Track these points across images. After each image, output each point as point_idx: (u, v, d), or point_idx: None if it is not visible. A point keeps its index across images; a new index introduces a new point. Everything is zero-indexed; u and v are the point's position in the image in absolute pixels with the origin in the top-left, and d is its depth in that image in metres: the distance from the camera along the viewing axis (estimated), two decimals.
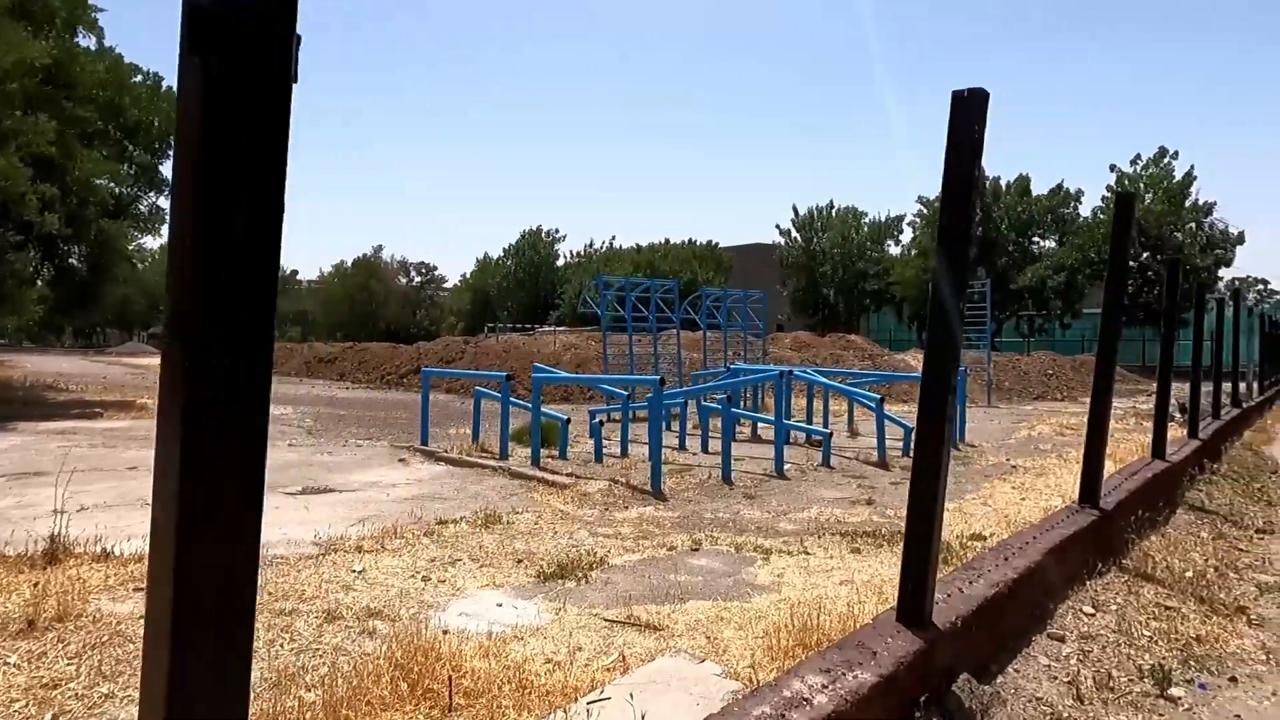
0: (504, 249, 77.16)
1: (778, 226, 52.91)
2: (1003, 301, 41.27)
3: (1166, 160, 37.34)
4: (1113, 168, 38.63)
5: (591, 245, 73.42)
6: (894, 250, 50.19)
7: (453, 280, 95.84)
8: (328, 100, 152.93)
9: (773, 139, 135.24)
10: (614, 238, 71.13)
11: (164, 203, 24.11)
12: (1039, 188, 41.75)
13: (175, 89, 1.21)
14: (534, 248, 75.83)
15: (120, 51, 17.82)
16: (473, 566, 4.81)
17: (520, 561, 4.93)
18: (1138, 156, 38.20)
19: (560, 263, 74.70)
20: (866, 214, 50.35)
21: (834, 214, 50.86)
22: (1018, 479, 8.54)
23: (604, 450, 9.23)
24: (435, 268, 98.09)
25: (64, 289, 15.32)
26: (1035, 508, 6.87)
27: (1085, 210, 40.57)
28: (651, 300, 15.90)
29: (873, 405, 9.80)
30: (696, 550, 5.33)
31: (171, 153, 19.91)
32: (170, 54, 1.15)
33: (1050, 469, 9.29)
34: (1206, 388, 12.64)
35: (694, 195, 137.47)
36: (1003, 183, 42.07)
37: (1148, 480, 6.46)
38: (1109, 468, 8.52)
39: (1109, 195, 38.52)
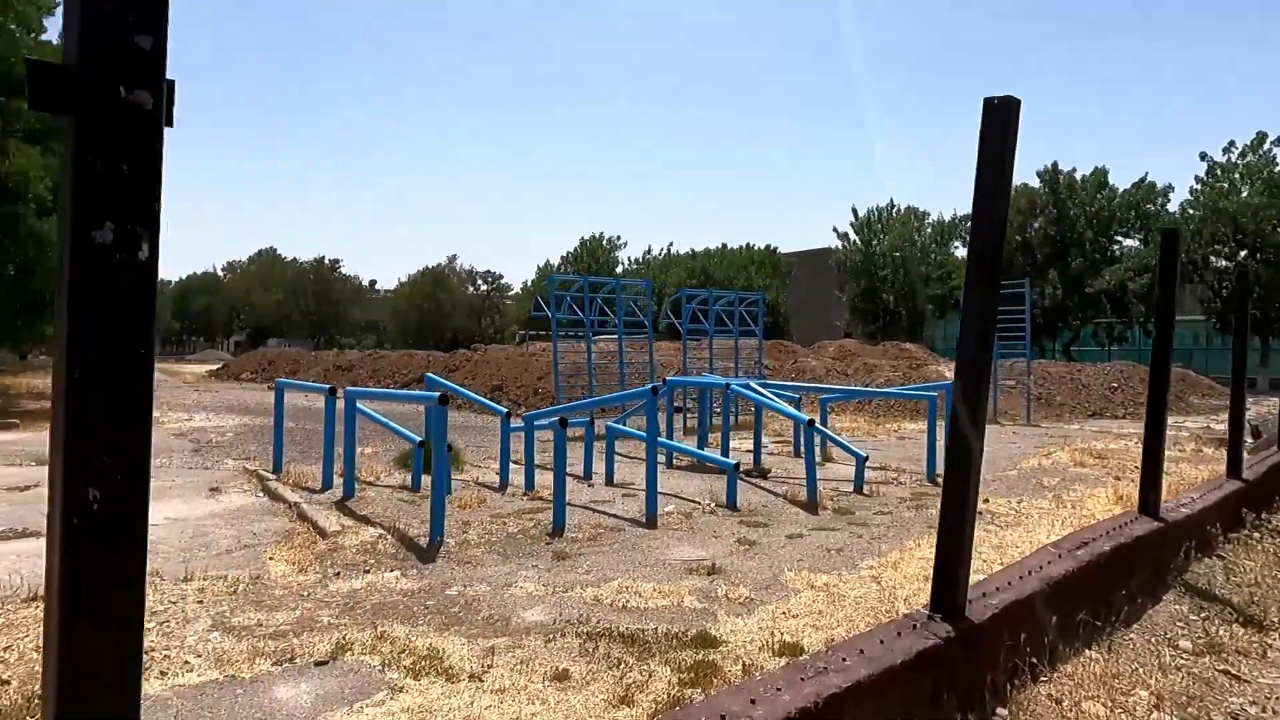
0: (562, 256, 76.30)
1: (835, 229, 50.15)
2: (1079, 306, 37.69)
3: (1266, 147, 33.07)
4: (1203, 156, 34.48)
5: (649, 252, 71.94)
6: (960, 252, 46.76)
7: (518, 288, 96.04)
8: (413, 112, 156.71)
9: (836, 139, 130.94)
10: (671, 244, 69.15)
11: None
12: (1121, 181, 37.90)
13: None
14: (593, 255, 74.71)
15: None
16: None
17: None
18: (1231, 144, 33.98)
19: (619, 270, 73.37)
20: (930, 214, 47.09)
21: (895, 215, 47.76)
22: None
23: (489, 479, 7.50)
24: (501, 276, 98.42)
25: None
26: None
27: (1174, 206, 36.51)
28: (619, 304, 14.04)
29: (803, 422, 7.70)
30: (323, 664, 3.49)
31: None
32: None
33: (1029, 516, 7.03)
34: None
35: (757, 199, 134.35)
36: (1078, 176, 38.36)
37: (1099, 557, 4.26)
38: (1108, 510, 6.26)
39: (1199, 187, 34.46)
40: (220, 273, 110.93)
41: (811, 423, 7.62)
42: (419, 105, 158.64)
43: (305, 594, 4.51)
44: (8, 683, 3.23)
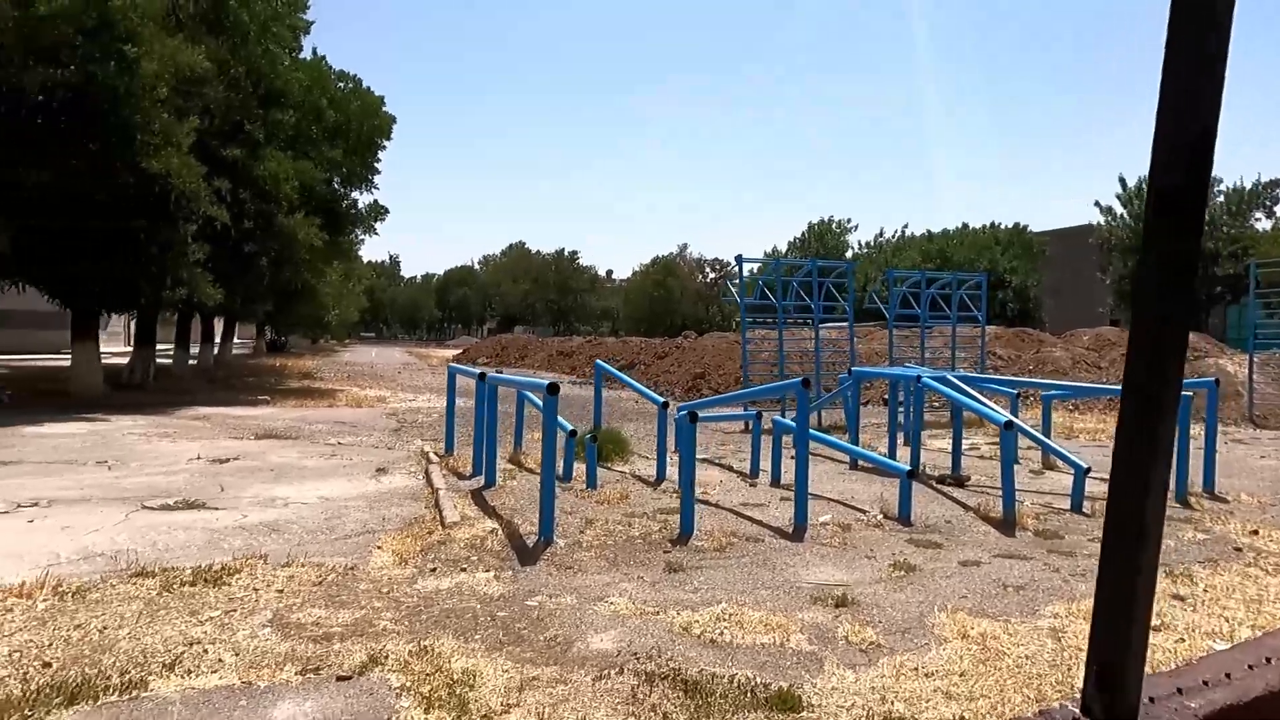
0: (789, 241, 74.63)
1: (1097, 204, 44.23)
2: None
3: None
4: None
5: (881, 235, 68.32)
6: (1263, 224, 39.37)
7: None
8: (649, 108, 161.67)
9: (1100, 100, 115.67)
10: (905, 226, 65.07)
11: (380, 198, 26.13)
12: None
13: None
14: (821, 239, 72.28)
15: (329, 60, 19.00)
16: None
17: None
18: None
19: (849, 254, 70.34)
20: (1222, 180, 40.02)
21: None
22: (1217, 577, 4.87)
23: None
24: (728, 264, 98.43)
25: (248, 277, 16.47)
26: (1166, 655, 3.57)
27: None
28: (816, 288, 13.01)
29: (1000, 423, 6.42)
30: (345, 680, 3.17)
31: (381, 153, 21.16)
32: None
33: None
34: None
35: (1005, 174, 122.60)
36: None
37: None
38: None
39: None
40: (476, 266, 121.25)
41: (1010, 424, 6.32)
42: (655, 101, 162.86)
43: (385, 591, 4.27)
44: (50, 665, 3.22)
